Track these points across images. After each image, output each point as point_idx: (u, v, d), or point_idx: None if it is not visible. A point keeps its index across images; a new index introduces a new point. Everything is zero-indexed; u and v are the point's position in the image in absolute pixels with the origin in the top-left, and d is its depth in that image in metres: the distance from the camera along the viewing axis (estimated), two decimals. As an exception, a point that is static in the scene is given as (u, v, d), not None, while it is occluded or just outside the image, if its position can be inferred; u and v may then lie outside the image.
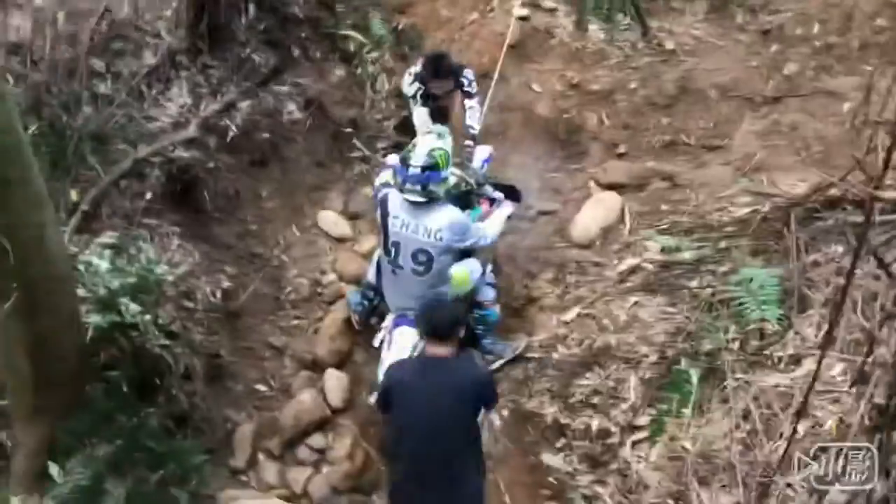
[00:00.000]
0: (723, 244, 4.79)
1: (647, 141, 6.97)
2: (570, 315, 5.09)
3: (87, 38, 5.66)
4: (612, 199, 5.79)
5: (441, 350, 3.72)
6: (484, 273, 5.00)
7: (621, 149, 6.92)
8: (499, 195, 5.13)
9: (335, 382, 5.12)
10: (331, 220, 6.30)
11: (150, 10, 6.16)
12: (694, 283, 4.66)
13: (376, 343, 4.92)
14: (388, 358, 4.50)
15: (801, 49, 7.71)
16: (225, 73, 6.11)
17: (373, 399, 4.47)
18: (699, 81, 7.29)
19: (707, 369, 4.14)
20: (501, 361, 5.12)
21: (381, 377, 4.34)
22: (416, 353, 4.37)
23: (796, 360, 3.89)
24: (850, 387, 3.44)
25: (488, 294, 5.05)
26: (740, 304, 4.17)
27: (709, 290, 4.47)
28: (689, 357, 4.25)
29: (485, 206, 5.20)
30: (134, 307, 4.25)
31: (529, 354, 5.06)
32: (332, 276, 5.91)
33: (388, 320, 4.84)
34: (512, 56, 7.16)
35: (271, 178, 6.25)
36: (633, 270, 5.04)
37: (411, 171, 4.44)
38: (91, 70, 5.58)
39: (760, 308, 4.06)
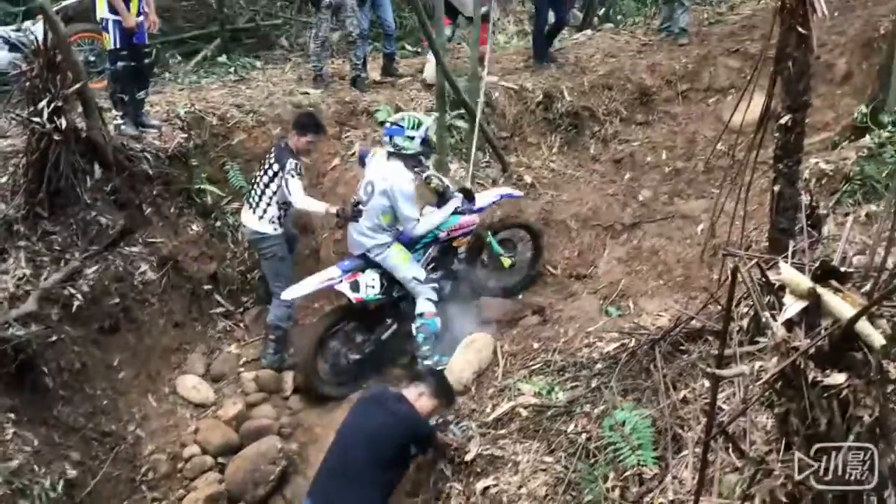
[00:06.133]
0: (594, 383, 4.71)
1: (515, 275, 6.99)
2: (451, 470, 4.84)
3: None
4: (485, 340, 5.68)
5: (412, 394, 4.49)
6: (425, 281, 5.91)
7: (492, 284, 6.91)
8: (457, 196, 6.08)
9: (198, 574, 4.64)
10: (191, 384, 5.93)
11: (-18, 180, 5.82)
12: (570, 428, 4.52)
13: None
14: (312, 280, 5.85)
15: (653, 175, 8.08)
16: (69, 239, 5.77)
17: None
18: (560, 213, 7.46)
19: (590, 522, 3.96)
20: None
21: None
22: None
23: (678, 507, 3.76)
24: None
25: (427, 307, 5.87)
26: (616, 449, 4.04)
27: (584, 436, 4.34)
28: (571, 510, 4.06)
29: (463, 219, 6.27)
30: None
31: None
32: (194, 449, 5.50)
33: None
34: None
35: (124, 346, 5.85)
36: (510, 417, 4.88)
37: (385, 127, 5.93)
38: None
39: (635, 453, 3.94)
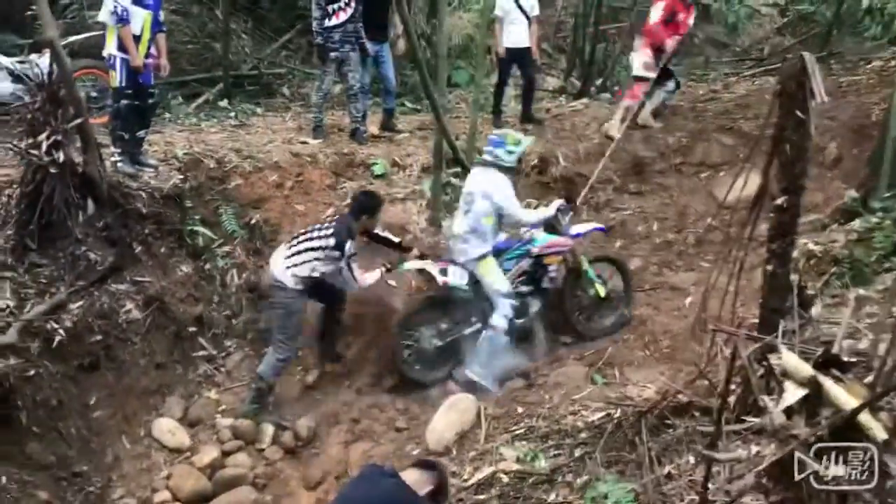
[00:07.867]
0: (578, 452, 4.65)
1: (502, 337, 6.95)
2: (427, 535, 4.73)
3: None
4: (468, 402, 5.62)
5: (412, 475, 3.71)
6: (506, 295, 6.21)
7: (478, 345, 6.86)
8: (559, 200, 6.64)
9: None
10: (167, 428, 5.83)
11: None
12: (551, 497, 4.45)
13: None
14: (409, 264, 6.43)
15: (643, 245, 8.12)
16: (56, 272, 5.73)
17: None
18: (551, 276, 7.43)
19: None
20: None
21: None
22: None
23: (659, 586, 3.68)
24: None
25: (500, 322, 6.18)
26: (598, 522, 3.98)
27: (566, 507, 4.27)
28: (549, 586, 3.97)
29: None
30: None
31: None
32: (165, 495, 5.39)
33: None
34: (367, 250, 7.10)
35: (102, 385, 5.76)
36: (490, 482, 4.79)
37: (489, 137, 6.43)
38: None
39: (618, 528, 3.88)
